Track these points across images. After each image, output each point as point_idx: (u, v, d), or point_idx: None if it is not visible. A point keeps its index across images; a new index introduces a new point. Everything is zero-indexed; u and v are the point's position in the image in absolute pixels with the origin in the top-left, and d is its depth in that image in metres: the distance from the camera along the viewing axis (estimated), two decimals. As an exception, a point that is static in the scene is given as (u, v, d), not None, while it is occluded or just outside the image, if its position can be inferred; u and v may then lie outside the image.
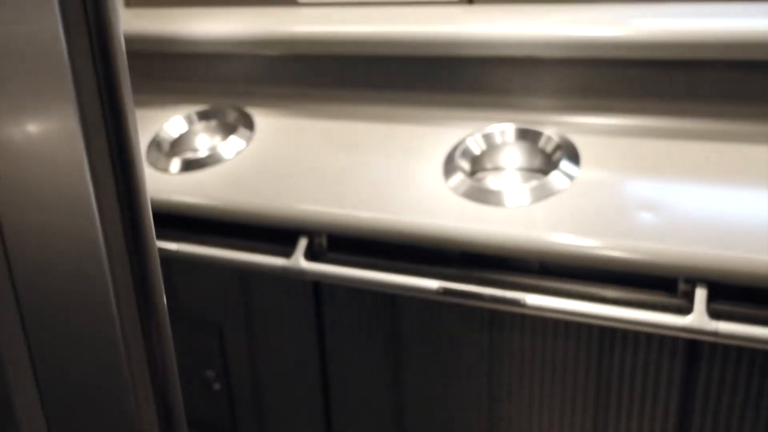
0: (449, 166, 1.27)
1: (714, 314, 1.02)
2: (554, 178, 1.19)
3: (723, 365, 1.08)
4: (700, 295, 1.03)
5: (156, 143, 1.52)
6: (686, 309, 1.05)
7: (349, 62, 1.48)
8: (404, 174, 1.28)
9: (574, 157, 1.23)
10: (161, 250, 1.36)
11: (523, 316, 1.18)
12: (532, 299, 1.11)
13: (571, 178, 1.19)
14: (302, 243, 1.27)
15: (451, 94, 1.41)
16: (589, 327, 1.14)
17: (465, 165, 1.28)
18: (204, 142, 1.57)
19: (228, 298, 1.45)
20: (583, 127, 1.29)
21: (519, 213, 1.15)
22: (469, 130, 1.34)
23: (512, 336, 1.21)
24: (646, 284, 1.09)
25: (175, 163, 1.45)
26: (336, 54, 1.49)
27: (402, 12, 1.46)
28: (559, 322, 1.17)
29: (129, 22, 1.68)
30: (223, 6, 1.63)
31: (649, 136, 1.25)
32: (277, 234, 1.30)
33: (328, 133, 1.45)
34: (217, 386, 1.55)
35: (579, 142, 1.25)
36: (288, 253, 1.27)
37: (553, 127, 1.30)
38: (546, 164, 1.27)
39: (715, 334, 1.01)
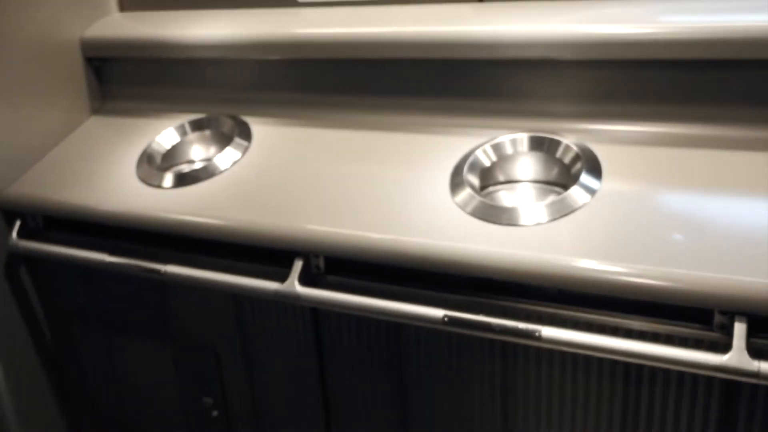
0: (456, 181, 1.21)
1: (755, 352, 0.94)
2: (574, 192, 1.13)
3: (765, 408, 0.99)
4: (739, 329, 0.95)
5: (147, 156, 1.46)
6: (723, 344, 0.96)
7: (351, 67, 1.44)
8: (407, 189, 1.23)
9: (595, 168, 1.17)
10: (152, 272, 1.30)
11: (539, 348, 1.10)
12: (549, 331, 1.04)
13: (592, 192, 1.13)
14: (297, 265, 1.21)
15: (458, 101, 1.36)
16: (613, 362, 1.07)
17: (474, 179, 1.22)
18: (198, 153, 1.51)
19: (222, 322, 1.40)
20: (605, 135, 1.23)
21: (534, 233, 1.08)
22: (478, 140, 1.28)
23: (527, 368, 1.14)
24: (677, 316, 1.01)
25: (168, 178, 1.39)
26: (337, 58, 1.44)
27: (407, 11, 1.42)
28: (579, 356, 1.09)
29: (122, 27, 1.66)
30: (219, 8, 1.61)
31: (679, 145, 1.18)
32: (272, 254, 1.25)
33: (327, 144, 1.40)
34: (215, 413, 1.52)
35: (600, 151, 1.20)
36: (283, 276, 1.21)
37: (572, 136, 1.24)
38: (564, 177, 1.21)
39: (757, 375, 0.92)
